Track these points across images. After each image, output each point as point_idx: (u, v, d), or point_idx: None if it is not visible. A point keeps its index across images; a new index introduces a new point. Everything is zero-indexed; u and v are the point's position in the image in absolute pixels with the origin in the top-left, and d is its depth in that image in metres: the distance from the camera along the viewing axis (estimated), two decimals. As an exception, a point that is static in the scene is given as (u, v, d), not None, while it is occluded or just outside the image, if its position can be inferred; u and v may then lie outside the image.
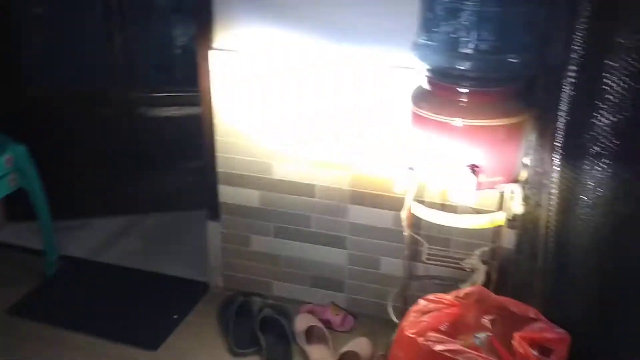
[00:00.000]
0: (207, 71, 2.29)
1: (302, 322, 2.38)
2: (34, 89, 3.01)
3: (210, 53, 2.27)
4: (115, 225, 3.19)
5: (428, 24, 1.68)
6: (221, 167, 2.46)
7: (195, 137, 2.51)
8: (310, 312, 2.46)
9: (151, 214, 3.28)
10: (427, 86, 1.80)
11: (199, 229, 2.74)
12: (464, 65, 1.64)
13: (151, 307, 2.59)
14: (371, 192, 2.30)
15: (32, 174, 2.57)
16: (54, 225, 2.74)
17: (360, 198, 2.33)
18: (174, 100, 3.12)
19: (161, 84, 3.17)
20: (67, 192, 3.06)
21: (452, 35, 1.62)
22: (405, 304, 2.19)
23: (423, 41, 1.71)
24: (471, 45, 1.61)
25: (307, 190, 2.38)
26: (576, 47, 1.50)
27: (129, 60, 3.03)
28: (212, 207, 2.55)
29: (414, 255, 2.28)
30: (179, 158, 3.21)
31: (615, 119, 1.51)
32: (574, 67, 1.52)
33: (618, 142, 1.52)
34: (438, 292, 1.79)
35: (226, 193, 2.51)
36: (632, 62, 1.46)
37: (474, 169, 1.69)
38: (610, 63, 1.48)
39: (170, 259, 2.91)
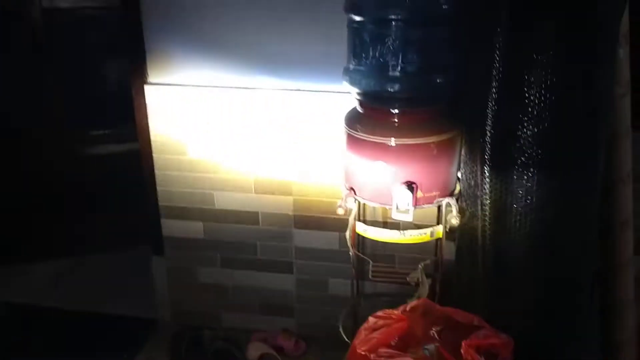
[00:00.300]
0: (144, 105, 2.29)
1: (254, 350, 2.37)
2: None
3: (146, 88, 2.27)
4: (57, 269, 3.10)
5: (357, 50, 1.75)
6: (162, 200, 2.44)
7: (133, 173, 2.50)
8: (262, 340, 2.46)
9: (92, 254, 3.20)
10: (359, 109, 1.86)
11: (142, 266, 2.70)
12: (393, 87, 1.71)
13: (99, 349, 2.52)
14: (315, 215, 2.34)
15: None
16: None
17: (305, 222, 2.36)
18: (109, 137, 3.09)
19: (94, 121, 3.13)
20: (5, 237, 2.96)
21: (380, 59, 1.68)
22: (355, 323, 2.23)
23: (353, 66, 1.78)
24: (399, 68, 1.68)
25: (251, 217, 2.40)
26: (496, 65, 1.59)
27: (60, 99, 2.98)
28: (155, 241, 2.53)
29: (361, 274, 2.32)
30: (118, 196, 3.15)
31: (536, 130, 1.60)
32: (495, 84, 1.61)
33: (541, 151, 1.62)
34: (387, 308, 1.83)
35: (169, 227, 2.49)
36: (547, 76, 1.56)
37: (410, 185, 1.75)
38: (529, 78, 1.58)
39: (115, 299, 2.85)
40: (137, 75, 2.27)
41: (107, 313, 2.75)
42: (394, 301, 2.17)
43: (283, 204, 2.35)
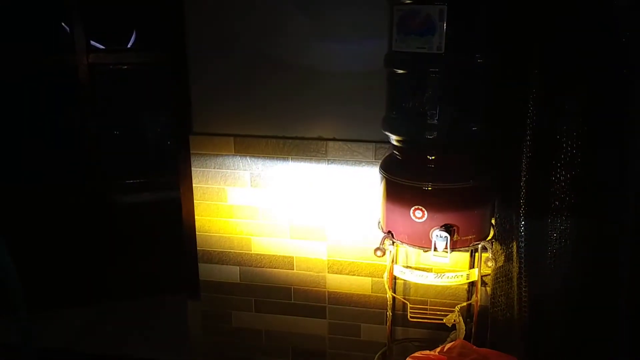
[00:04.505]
0: (188, 155, 2.40)
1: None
2: (5, 183, 3.05)
3: (191, 138, 2.39)
4: (92, 313, 3.16)
5: (396, 100, 1.86)
6: (200, 245, 2.53)
7: (172, 219, 2.59)
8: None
9: (128, 299, 3.26)
10: (397, 155, 1.96)
11: (176, 311, 2.76)
12: (431, 135, 1.81)
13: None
14: (349, 260, 2.40)
15: (8, 266, 2.56)
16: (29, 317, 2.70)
17: (339, 267, 2.43)
18: (149, 185, 3.19)
19: (134, 170, 3.24)
20: (44, 282, 3.04)
21: (419, 108, 1.79)
22: (389, 367, 2.26)
23: (392, 115, 1.88)
24: (436, 117, 1.78)
25: (286, 262, 2.47)
26: (530, 113, 1.70)
27: (102, 149, 3.11)
28: (192, 286, 2.59)
29: (394, 319, 2.36)
30: (155, 242, 3.23)
31: (569, 175, 1.69)
32: (529, 131, 1.71)
33: (574, 196, 1.70)
34: (419, 353, 1.88)
35: (206, 271, 2.56)
36: (579, 123, 1.66)
37: (449, 228, 1.82)
38: (561, 125, 1.67)
39: (149, 344, 2.89)
40: (182, 126, 2.39)
41: (141, 358, 2.79)
42: (426, 347, 2.22)
43: (317, 249, 2.43)
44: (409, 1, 1.74)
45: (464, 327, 1.99)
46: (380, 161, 2.04)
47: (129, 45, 3.24)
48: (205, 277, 2.57)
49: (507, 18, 1.77)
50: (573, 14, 1.65)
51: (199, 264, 2.55)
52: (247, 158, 2.37)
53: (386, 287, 2.07)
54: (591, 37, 1.65)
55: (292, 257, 2.46)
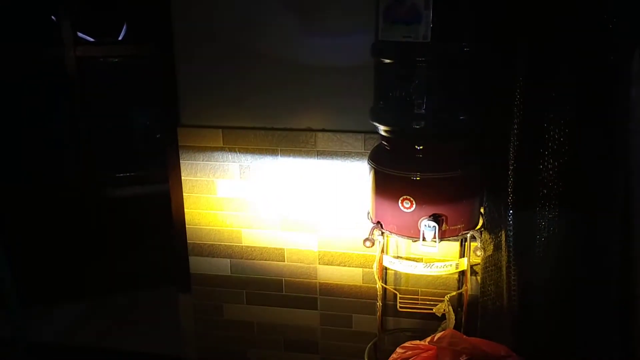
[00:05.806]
0: (176, 147, 2.39)
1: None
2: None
3: (179, 130, 2.38)
4: (83, 308, 3.16)
5: (384, 90, 1.85)
6: (191, 238, 2.52)
7: (161, 213, 2.58)
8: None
9: (119, 293, 3.26)
10: (386, 145, 1.95)
11: (167, 304, 2.75)
12: (418, 124, 1.80)
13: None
14: (340, 251, 2.40)
15: (1, 261, 2.56)
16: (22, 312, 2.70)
17: (329, 258, 2.42)
18: (137, 179, 3.18)
19: (123, 163, 3.23)
20: (35, 277, 3.03)
21: (406, 98, 1.78)
22: (379, 358, 2.26)
23: (380, 105, 1.87)
24: (424, 106, 1.77)
25: (277, 254, 2.46)
26: (517, 102, 1.69)
27: (92, 144, 3.09)
28: (183, 279, 2.58)
29: (385, 310, 2.37)
30: (145, 236, 3.23)
31: (557, 164, 1.68)
32: (517, 120, 1.71)
33: (562, 184, 1.70)
34: (412, 341, 1.88)
35: (197, 264, 2.55)
36: (566, 112, 1.65)
37: (437, 217, 1.82)
38: (548, 114, 1.67)
39: (141, 337, 2.89)
40: (169, 118, 2.38)
41: (133, 351, 2.79)
42: (417, 337, 2.22)
43: (308, 240, 2.42)
44: (394, -10, 1.72)
45: (453, 316, 1.99)
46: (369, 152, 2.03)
47: (119, 38, 3.22)
48: (195, 270, 2.56)
49: (493, 6, 1.76)
50: (564, 6, 1.64)
51: (189, 257, 2.55)
52: (236, 150, 2.36)
53: (376, 277, 2.07)
54: (580, 26, 1.64)
55: (283, 249, 2.46)
